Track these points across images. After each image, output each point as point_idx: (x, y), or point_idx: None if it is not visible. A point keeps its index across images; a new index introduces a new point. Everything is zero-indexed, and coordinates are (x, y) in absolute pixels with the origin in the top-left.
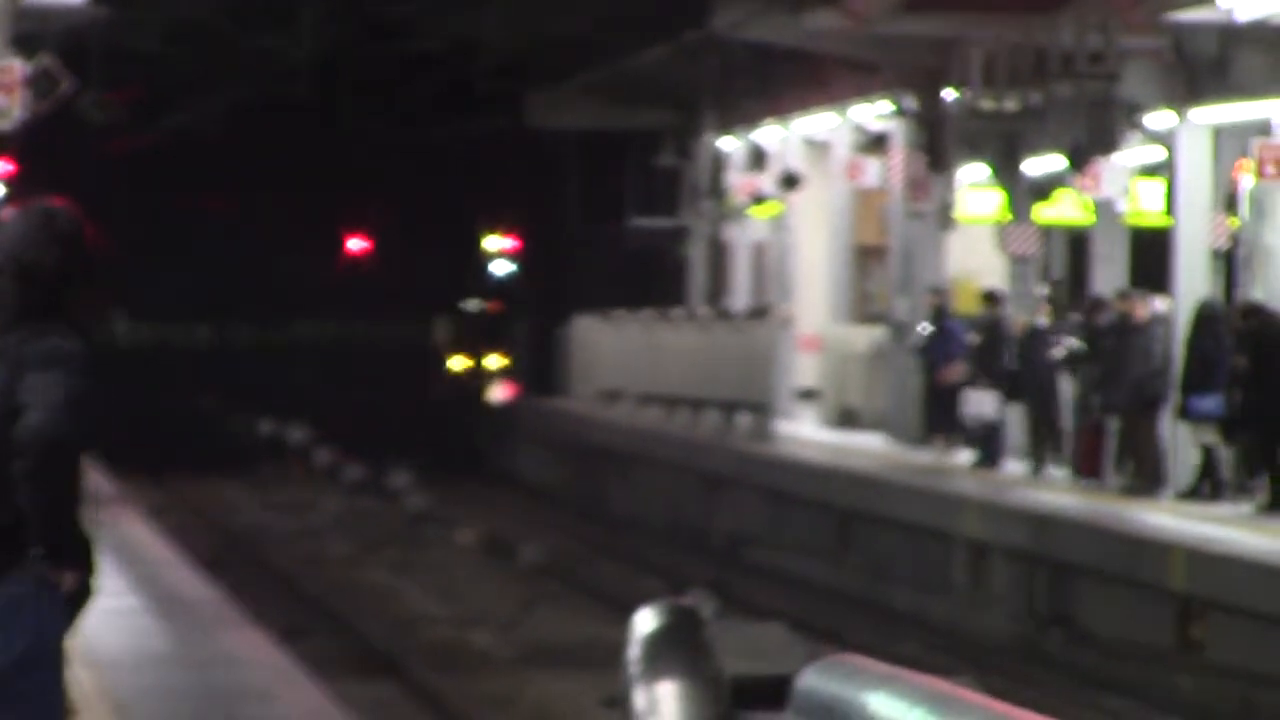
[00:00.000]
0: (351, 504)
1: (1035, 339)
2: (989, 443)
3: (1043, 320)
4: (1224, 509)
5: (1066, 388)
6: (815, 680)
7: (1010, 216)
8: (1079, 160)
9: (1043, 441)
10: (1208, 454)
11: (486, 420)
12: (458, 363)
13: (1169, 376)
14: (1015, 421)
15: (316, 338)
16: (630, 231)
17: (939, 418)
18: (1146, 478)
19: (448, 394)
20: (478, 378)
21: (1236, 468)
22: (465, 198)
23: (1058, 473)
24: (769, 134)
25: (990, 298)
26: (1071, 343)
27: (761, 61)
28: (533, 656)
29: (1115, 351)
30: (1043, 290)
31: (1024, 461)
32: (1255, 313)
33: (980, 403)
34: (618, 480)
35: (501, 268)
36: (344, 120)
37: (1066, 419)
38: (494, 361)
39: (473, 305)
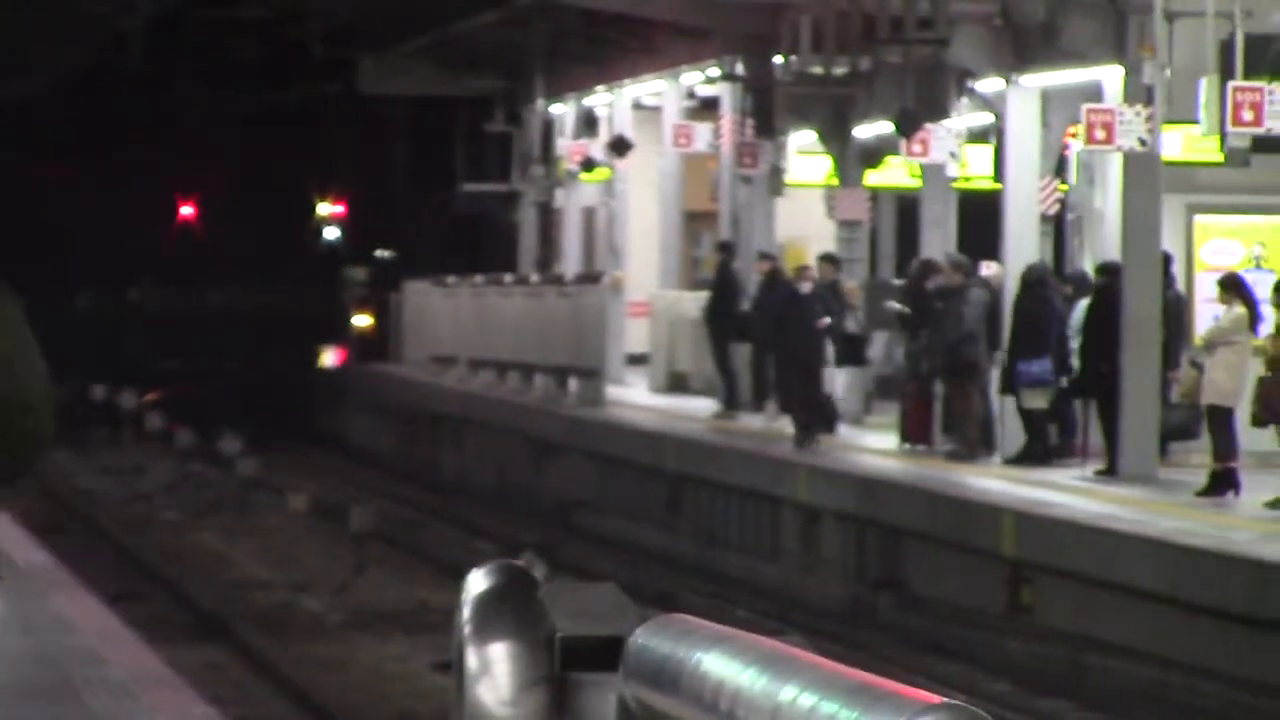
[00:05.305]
0: (183, 469)
1: (798, 302)
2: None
3: (806, 286)
4: (1053, 473)
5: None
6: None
7: (839, 182)
8: (907, 126)
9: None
10: (1034, 418)
11: (318, 386)
12: (361, 320)
13: (984, 342)
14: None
15: (148, 304)
16: (461, 197)
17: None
18: (971, 443)
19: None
20: (377, 339)
21: (1059, 431)
22: (296, 164)
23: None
24: (599, 100)
25: (828, 260)
26: (895, 306)
27: (592, 27)
28: (364, 621)
29: (941, 316)
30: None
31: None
32: (1109, 271)
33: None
34: (449, 446)
35: (331, 233)
36: (176, 87)
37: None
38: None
39: (385, 256)
